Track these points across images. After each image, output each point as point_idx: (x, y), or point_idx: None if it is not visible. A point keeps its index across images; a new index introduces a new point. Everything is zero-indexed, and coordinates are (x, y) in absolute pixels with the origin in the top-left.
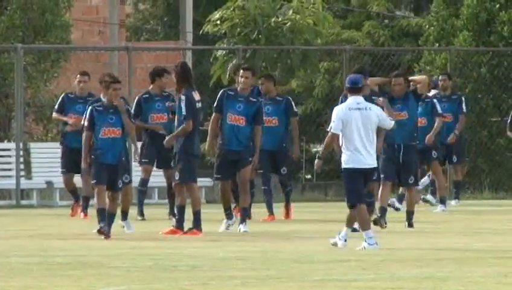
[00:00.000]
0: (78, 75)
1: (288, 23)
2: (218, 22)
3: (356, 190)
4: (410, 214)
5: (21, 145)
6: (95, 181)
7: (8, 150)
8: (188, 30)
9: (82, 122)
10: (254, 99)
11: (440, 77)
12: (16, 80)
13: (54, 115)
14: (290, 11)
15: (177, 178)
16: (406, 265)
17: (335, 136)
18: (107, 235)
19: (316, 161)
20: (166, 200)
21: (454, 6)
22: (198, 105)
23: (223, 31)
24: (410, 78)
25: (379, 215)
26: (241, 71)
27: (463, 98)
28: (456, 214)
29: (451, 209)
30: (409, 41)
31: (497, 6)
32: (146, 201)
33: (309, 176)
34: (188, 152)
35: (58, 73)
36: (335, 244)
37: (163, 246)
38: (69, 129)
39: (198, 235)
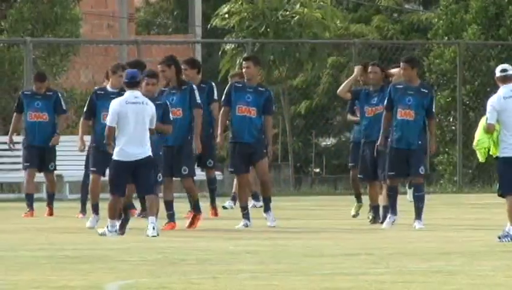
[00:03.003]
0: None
1: (296, 17)
2: (226, 15)
3: (119, 182)
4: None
5: None
6: (94, 169)
7: (17, 143)
8: (197, 24)
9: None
10: (263, 89)
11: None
12: (25, 73)
13: (15, 115)
14: (298, 5)
15: (185, 173)
16: (415, 259)
17: (111, 129)
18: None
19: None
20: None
21: (463, 0)
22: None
23: (232, 25)
24: (387, 71)
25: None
26: (243, 62)
27: None
28: (465, 208)
29: (458, 202)
30: (418, 36)
31: (506, 0)
32: None
33: (318, 170)
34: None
35: (67, 66)
36: (103, 234)
37: (171, 239)
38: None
39: (175, 227)
